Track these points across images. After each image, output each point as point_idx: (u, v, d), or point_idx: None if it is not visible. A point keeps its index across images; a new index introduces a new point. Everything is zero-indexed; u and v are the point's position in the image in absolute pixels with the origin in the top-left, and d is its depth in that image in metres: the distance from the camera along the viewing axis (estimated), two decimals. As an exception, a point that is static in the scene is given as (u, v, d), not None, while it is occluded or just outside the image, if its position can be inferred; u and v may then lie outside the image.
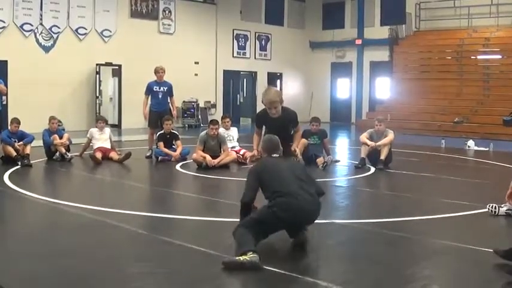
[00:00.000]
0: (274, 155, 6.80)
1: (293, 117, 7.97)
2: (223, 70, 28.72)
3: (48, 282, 5.31)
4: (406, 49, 28.51)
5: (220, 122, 13.97)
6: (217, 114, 25.31)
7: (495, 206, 8.16)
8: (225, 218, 7.79)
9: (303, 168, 6.83)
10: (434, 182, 11.80)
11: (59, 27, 22.30)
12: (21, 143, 12.92)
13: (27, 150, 12.89)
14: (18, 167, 12.38)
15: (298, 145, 8.35)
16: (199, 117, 26.51)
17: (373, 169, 12.80)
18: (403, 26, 29.01)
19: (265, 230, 6.10)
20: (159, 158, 13.80)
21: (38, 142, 13.90)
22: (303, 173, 6.58)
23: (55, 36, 22.24)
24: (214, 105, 28.02)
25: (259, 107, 8.56)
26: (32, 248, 6.38)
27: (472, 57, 26.27)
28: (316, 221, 7.46)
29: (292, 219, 6.12)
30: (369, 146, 13.04)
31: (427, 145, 18.46)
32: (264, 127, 8.19)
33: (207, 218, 8.03)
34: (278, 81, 30.72)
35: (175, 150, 13.96)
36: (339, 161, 14.40)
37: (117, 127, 23.64)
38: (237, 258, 5.62)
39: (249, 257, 5.58)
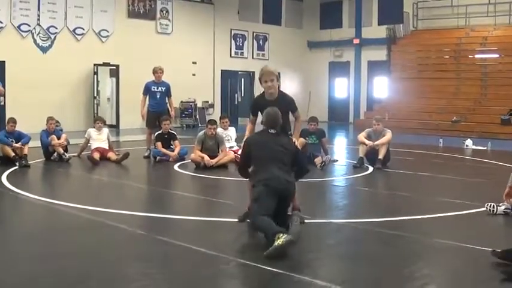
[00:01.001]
0: (271, 131, 7.10)
1: (290, 100, 7.84)
2: (221, 70, 28.71)
3: (47, 283, 5.30)
4: (403, 48, 28.52)
5: (218, 122, 13.96)
6: (215, 114, 25.28)
7: (493, 205, 8.17)
8: (224, 218, 7.80)
9: (291, 152, 7.13)
10: (433, 181, 11.81)
11: (56, 28, 22.29)
12: (19, 144, 12.88)
13: (25, 150, 12.87)
14: (16, 167, 12.37)
15: (298, 138, 8.23)
16: (197, 117, 26.52)
17: (371, 168, 12.81)
18: (401, 25, 28.98)
19: (269, 206, 6.57)
20: (157, 158, 13.79)
21: (36, 143, 13.90)
22: (288, 157, 7.04)
23: (52, 36, 22.23)
24: (212, 105, 28.02)
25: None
26: (31, 249, 6.38)
27: (470, 56, 26.29)
28: (315, 221, 7.50)
29: (278, 189, 6.73)
30: (366, 145, 13.06)
31: (425, 144, 18.48)
32: (259, 114, 8.06)
33: (205, 218, 8.04)
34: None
35: (173, 151, 13.96)
36: (337, 160, 14.40)
37: (115, 127, 23.61)
38: (274, 245, 5.93)
39: (283, 238, 5.94)
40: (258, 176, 6.88)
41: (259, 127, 7.58)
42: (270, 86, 7.59)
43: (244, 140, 7.52)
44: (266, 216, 6.40)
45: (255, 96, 8.51)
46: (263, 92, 7.79)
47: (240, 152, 13.20)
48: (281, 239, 5.92)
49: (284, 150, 7.03)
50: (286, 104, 7.75)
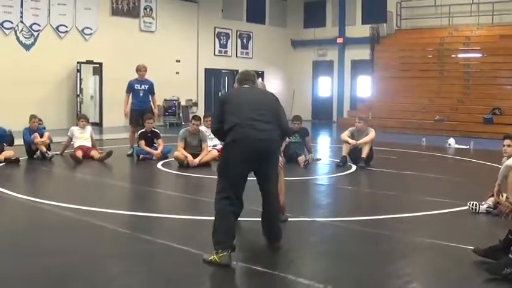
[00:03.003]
0: (245, 86, 6.54)
1: None
2: (205, 68, 28.66)
3: (29, 282, 5.28)
4: (387, 48, 28.59)
5: (202, 120, 13.92)
6: (199, 112, 25.21)
7: (476, 204, 8.23)
8: (206, 216, 7.76)
9: (273, 104, 6.44)
10: (415, 179, 11.87)
11: (39, 25, 22.16)
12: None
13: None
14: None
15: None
16: (181, 115, 26.44)
17: (354, 167, 12.84)
18: (384, 24, 29.10)
19: (237, 177, 6.01)
20: (140, 156, 13.75)
21: (19, 141, 13.82)
22: (267, 103, 6.35)
23: (36, 34, 22.09)
24: (195, 104, 27.96)
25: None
26: (11, 248, 6.34)
27: (453, 55, 26.37)
28: (298, 219, 7.48)
29: (248, 147, 5.97)
30: (350, 144, 13.09)
31: (408, 143, 18.53)
32: None
33: (188, 217, 8.02)
34: (260, 79, 30.61)
35: (156, 149, 13.93)
36: (320, 159, 14.43)
37: (98, 125, 23.53)
38: (210, 258, 5.69)
39: (219, 256, 5.64)
40: (229, 122, 6.07)
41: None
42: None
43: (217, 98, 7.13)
44: (232, 198, 5.93)
45: None
46: None
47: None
48: (218, 256, 5.67)
49: (264, 100, 6.44)
50: None
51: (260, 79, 29.74)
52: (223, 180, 6.02)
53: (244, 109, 6.11)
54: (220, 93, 29.05)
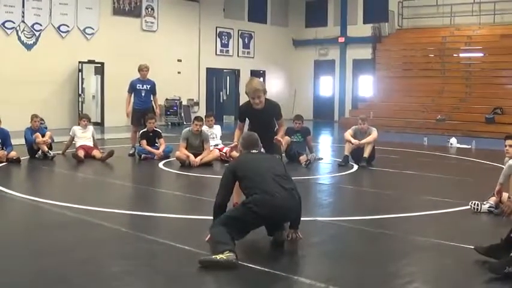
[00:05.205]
0: (253, 151, 6.70)
1: (276, 109, 7.89)
2: (206, 68, 28.68)
3: (28, 282, 5.27)
4: (388, 47, 28.59)
5: (203, 120, 13.93)
6: (200, 112, 25.28)
7: (477, 203, 8.22)
8: (208, 216, 7.74)
9: (282, 164, 6.74)
10: (417, 179, 11.86)
11: (41, 25, 22.17)
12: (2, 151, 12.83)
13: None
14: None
15: (283, 137, 8.29)
16: (182, 115, 26.45)
17: (356, 167, 12.83)
18: (386, 24, 29.11)
19: (244, 227, 6.03)
20: (142, 156, 13.75)
21: (20, 140, 13.82)
22: (282, 169, 6.52)
23: (37, 33, 22.11)
24: (197, 103, 27.97)
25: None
26: (12, 247, 6.34)
27: (455, 55, 26.40)
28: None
29: (269, 215, 6.06)
30: (353, 144, 13.07)
31: (409, 143, 18.53)
32: (247, 121, 8.13)
33: (189, 216, 8.02)
34: (261, 79, 30.63)
35: (158, 148, 13.92)
36: (322, 158, 14.42)
37: (99, 125, 23.55)
38: (213, 256, 5.61)
39: (226, 255, 5.55)
40: (252, 191, 6.10)
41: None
42: (258, 103, 7.64)
43: (226, 168, 6.91)
44: (229, 231, 5.88)
45: (241, 105, 8.50)
46: (249, 101, 7.79)
47: (225, 149, 13.28)
48: (224, 255, 5.55)
49: (275, 161, 6.78)
50: (272, 112, 7.91)
51: (261, 78, 29.84)
52: (231, 216, 6.08)
53: (267, 177, 6.18)
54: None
